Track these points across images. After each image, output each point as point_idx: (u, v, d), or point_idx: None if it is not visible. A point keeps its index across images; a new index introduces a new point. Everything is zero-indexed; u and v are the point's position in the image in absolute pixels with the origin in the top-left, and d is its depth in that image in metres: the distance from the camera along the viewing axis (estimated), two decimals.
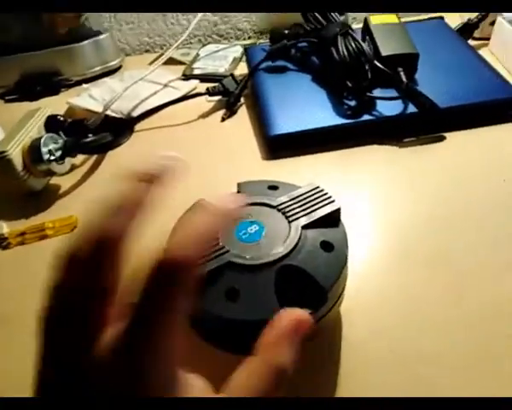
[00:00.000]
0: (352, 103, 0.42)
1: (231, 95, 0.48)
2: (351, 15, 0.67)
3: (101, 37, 0.59)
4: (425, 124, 0.41)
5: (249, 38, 0.68)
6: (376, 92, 0.42)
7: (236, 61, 0.58)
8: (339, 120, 0.41)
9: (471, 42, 0.54)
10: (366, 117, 0.41)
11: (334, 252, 0.23)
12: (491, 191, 0.35)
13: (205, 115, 0.49)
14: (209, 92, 0.48)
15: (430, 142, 0.41)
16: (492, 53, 0.54)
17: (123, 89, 0.49)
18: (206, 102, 0.50)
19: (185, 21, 0.65)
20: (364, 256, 0.31)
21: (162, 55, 0.60)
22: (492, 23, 0.54)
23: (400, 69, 0.42)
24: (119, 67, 0.61)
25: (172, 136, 0.47)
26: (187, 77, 0.56)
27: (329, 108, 0.43)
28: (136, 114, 0.49)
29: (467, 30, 0.54)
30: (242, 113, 0.49)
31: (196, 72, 0.57)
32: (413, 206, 0.35)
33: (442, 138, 0.41)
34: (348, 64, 0.41)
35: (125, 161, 0.44)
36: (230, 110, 0.48)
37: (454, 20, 0.57)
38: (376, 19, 0.48)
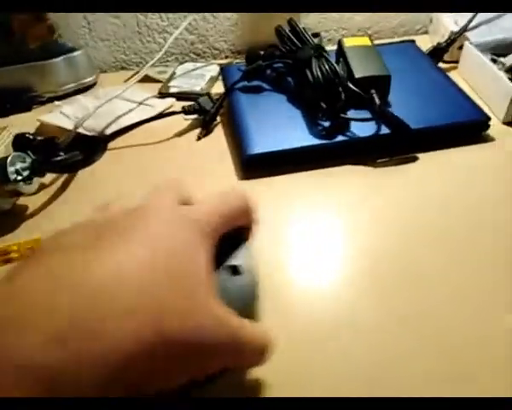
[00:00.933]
0: (327, 124, 0.43)
1: (207, 114, 0.48)
2: (326, 37, 0.68)
3: (76, 53, 0.58)
4: (398, 145, 0.42)
5: (226, 57, 0.68)
6: (351, 113, 0.43)
7: (213, 80, 0.58)
8: (314, 141, 0.41)
9: (441, 65, 0.56)
10: (340, 138, 0.41)
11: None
12: (464, 211, 0.36)
13: (180, 134, 0.49)
14: (185, 111, 0.48)
15: (403, 162, 0.42)
16: (461, 76, 0.55)
17: (96, 106, 0.48)
18: (182, 121, 0.50)
19: (161, 40, 0.65)
20: (334, 278, 0.31)
21: (138, 72, 0.59)
22: (460, 47, 0.57)
23: (373, 91, 0.43)
24: (94, 84, 0.60)
25: (147, 154, 0.46)
26: (163, 95, 0.56)
27: (305, 128, 0.43)
28: (109, 131, 0.48)
29: (437, 54, 0.56)
30: (218, 132, 0.49)
31: (172, 90, 0.56)
32: (386, 226, 0.35)
33: (415, 159, 0.42)
34: (322, 86, 0.42)
35: (97, 179, 0.43)
36: (206, 129, 0.48)
37: (425, 43, 0.59)
38: (350, 41, 0.49)
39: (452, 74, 0.56)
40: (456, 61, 0.57)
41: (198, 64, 0.63)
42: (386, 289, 0.30)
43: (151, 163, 0.45)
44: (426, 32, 0.70)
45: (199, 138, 0.47)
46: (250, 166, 0.42)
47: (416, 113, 0.43)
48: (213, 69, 0.61)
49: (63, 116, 0.49)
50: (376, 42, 0.53)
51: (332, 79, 0.41)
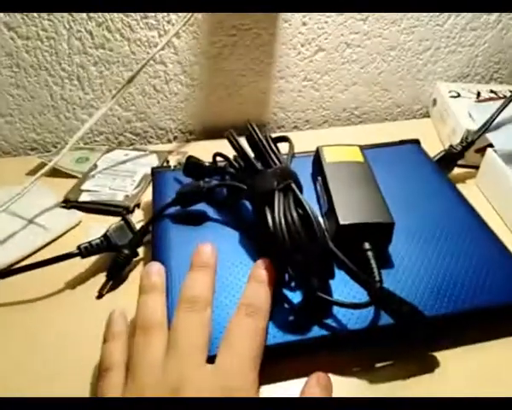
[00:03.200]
0: (297, 301, 0.27)
1: (120, 255, 0.31)
2: (301, 118, 0.54)
3: None
4: (406, 337, 0.26)
5: (175, 138, 0.53)
6: (336, 287, 0.27)
7: (146, 180, 0.42)
8: (280, 337, 0.25)
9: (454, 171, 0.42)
10: (317, 331, 0.25)
11: None
12: None
13: (73, 284, 0.32)
14: (81, 253, 0.31)
15: (418, 367, 0.26)
16: (480, 189, 0.41)
17: None
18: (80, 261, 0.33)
19: (86, 116, 0.49)
20: None
21: (45, 165, 0.43)
22: (477, 150, 0.43)
23: (367, 248, 0.27)
24: None
25: (19, 321, 0.29)
26: (69, 204, 0.39)
27: None
28: None
29: (449, 160, 0.41)
30: (134, 278, 0.32)
31: (84, 197, 0.40)
32: None
33: (434, 365, 0.26)
34: (286, 242, 0.26)
35: None
36: (113, 279, 0.31)
37: (427, 129, 0.45)
38: (332, 153, 0.34)
39: (468, 185, 0.42)
40: (473, 166, 0.43)
41: (132, 152, 0.47)
42: None
43: (25, 340, 0.28)
44: (427, 115, 0.57)
45: (100, 296, 0.31)
46: None
47: (433, 279, 0.28)
48: (150, 162, 0.45)
49: None
50: (362, 125, 0.38)
51: (301, 234, 0.26)
